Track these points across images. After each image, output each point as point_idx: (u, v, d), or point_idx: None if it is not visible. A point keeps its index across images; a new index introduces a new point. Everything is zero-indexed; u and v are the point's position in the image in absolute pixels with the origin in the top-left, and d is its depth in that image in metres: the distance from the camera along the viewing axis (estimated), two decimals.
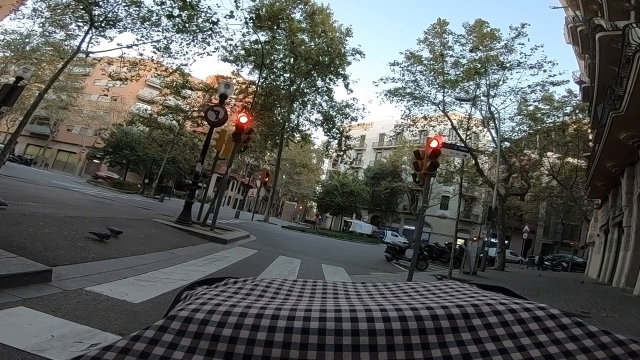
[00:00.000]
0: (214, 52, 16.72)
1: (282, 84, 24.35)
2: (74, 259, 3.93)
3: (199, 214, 11.69)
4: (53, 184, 16.76)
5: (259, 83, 19.53)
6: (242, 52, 19.80)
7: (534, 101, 19.97)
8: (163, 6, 13.62)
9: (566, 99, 20.32)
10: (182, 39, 15.73)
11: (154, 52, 16.03)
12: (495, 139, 17.99)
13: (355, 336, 0.51)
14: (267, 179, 30.51)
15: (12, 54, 23.17)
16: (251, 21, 13.56)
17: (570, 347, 0.51)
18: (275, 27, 16.63)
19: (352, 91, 26.01)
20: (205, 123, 12.08)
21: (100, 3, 13.39)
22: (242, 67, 22.39)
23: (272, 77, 22.97)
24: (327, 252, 13.10)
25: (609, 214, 15.51)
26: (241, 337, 0.51)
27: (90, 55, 15.39)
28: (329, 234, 28.50)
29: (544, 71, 18.15)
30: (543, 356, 0.50)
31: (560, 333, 0.53)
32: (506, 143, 20.07)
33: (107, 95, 24.81)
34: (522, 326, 0.55)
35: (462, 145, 15.71)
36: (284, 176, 53.45)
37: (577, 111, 20.29)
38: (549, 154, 22.80)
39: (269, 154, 35.29)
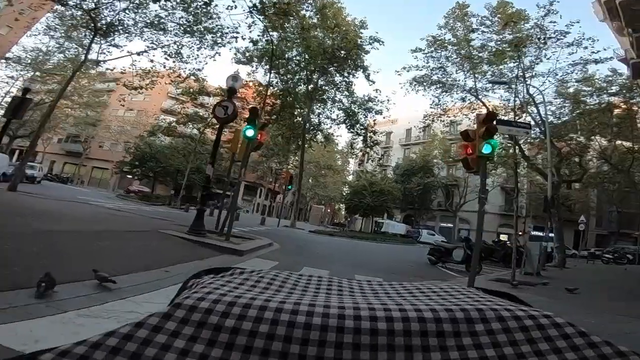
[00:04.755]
0: (223, 47, 16.07)
1: (299, 82, 23.40)
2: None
3: (217, 223, 10.74)
4: (77, 200, 16.54)
5: (274, 81, 18.67)
6: (255, 51, 19.10)
7: (575, 81, 18.04)
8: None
9: (610, 79, 17.93)
10: (192, 43, 15.34)
11: (166, 59, 15.66)
12: (540, 121, 16.10)
13: (357, 334, 0.50)
14: (288, 178, 29.51)
15: (36, 72, 23.58)
16: (254, 9, 12.56)
17: (570, 356, 0.50)
18: (281, 21, 15.77)
19: (373, 82, 24.42)
20: (227, 130, 11.18)
21: (102, 9, 12.98)
22: (256, 68, 21.69)
23: (288, 76, 22.04)
24: (360, 257, 11.79)
25: None
26: (243, 329, 0.50)
27: (101, 64, 15.08)
28: (360, 237, 26.99)
29: (585, 48, 16.37)
30: None
31: (562, 342, 0.52)
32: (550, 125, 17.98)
33: (123, 106, 24.82)
34: (525, 334, 0.53)
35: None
36: (310, 180, 52.44)
37: (624, 91, 17.78)
38: (597, 137, 20.31)
39: (292, 157, 34.43)
